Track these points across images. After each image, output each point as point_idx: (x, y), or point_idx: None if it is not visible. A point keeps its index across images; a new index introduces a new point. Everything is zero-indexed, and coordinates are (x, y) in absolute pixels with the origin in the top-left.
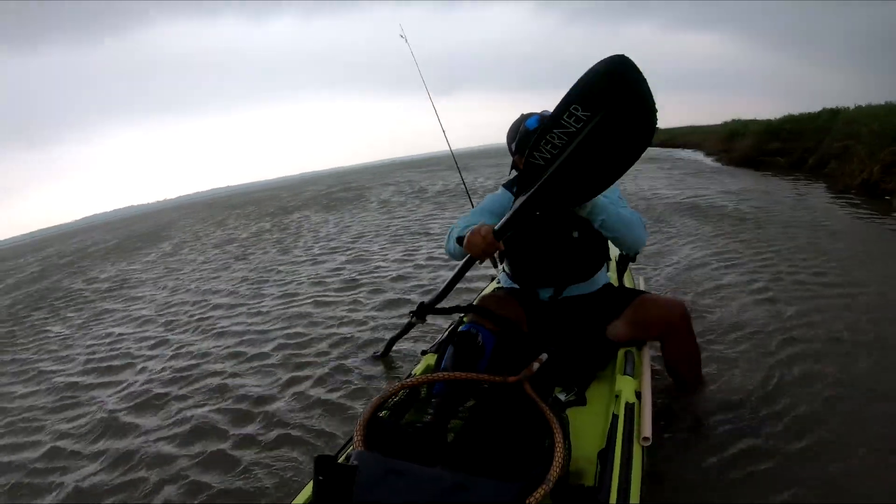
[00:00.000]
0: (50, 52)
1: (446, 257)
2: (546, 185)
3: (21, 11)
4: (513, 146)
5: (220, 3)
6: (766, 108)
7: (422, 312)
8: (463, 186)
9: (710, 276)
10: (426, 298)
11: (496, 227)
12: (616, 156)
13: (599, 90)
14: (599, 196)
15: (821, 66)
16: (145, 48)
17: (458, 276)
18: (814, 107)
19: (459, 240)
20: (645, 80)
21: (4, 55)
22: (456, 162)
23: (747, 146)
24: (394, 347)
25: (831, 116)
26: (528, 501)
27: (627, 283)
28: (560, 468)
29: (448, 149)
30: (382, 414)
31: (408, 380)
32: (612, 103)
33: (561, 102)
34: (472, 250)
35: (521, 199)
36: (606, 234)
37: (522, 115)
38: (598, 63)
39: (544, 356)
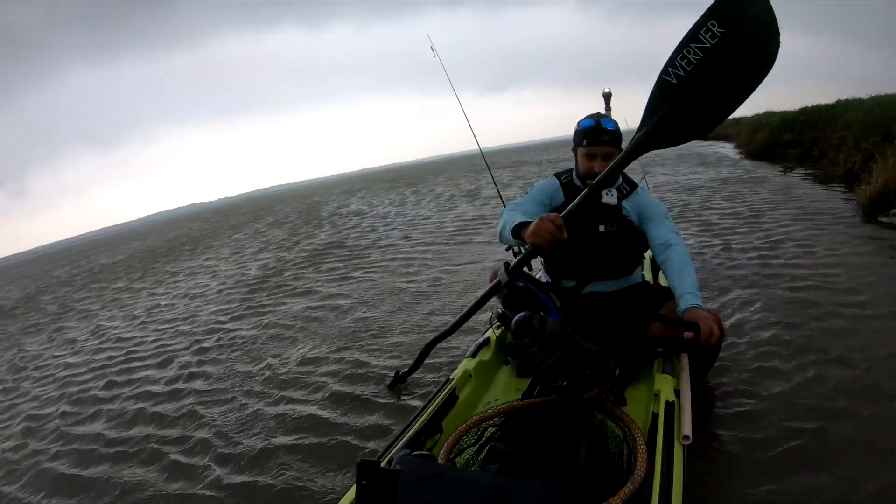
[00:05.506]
0: (122, 66)
1: None
2: (678, 106)
3: (97, 31)
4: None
5: (280, 14)
6: (830, 94)
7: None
8: (493, 184)
9: None
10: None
11: (565, 213)
12: (741, 79)
13: (733, 6)
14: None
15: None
16: (212, 57)
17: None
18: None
19: (516, 231)
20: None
21: (82, 69)
22: (486, 161)
23: (763, 139)
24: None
25: (844, 107)
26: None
27: (662, 282)
28: (643, 470)
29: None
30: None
31: (482, 413)
32: (744, 18)
33: (699, 20)
34: (539, 237)
35: (644, 129)
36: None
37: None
38: None
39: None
